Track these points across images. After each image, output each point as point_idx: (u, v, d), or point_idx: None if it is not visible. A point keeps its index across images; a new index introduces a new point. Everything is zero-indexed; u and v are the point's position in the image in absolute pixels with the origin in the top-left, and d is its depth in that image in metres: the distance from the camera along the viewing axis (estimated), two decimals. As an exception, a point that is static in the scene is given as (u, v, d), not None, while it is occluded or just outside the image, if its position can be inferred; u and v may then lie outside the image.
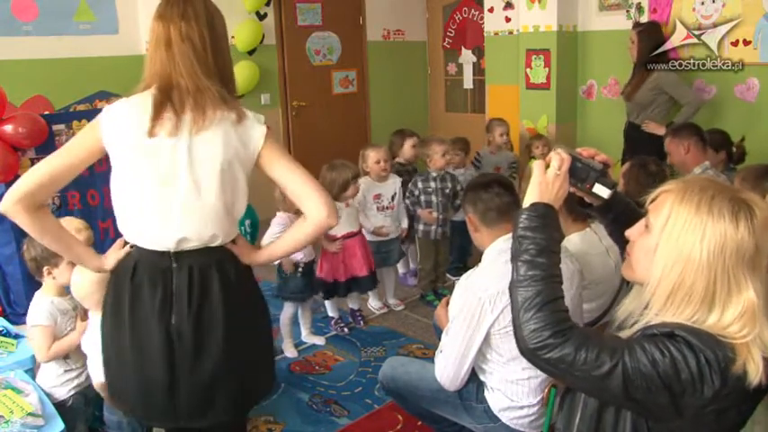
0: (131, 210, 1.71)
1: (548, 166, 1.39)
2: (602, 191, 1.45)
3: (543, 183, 1.37)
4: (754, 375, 1.16)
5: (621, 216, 1.51)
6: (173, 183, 1.65)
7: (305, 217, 1.74)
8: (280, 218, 3.27)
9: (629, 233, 1.37)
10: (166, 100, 1.64)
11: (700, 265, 1.20)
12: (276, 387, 2.97)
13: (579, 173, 1.42)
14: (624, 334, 1.28)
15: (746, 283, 1.19)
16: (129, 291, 1.73)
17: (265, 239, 3.25)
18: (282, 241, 1.86)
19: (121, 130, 1.65)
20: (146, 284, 1.71)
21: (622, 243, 1.50)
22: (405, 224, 3.94)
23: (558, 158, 1.38)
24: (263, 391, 1.98)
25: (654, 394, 1.18)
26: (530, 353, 1.26)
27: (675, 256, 1.22)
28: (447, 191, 3.91)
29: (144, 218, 1.70)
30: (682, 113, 4.10)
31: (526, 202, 1.37)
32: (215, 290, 1.71)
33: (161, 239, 1.69)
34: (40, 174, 1.67)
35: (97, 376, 2.12)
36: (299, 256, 3.30)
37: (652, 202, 1.30)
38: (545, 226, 1.32)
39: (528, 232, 1.32)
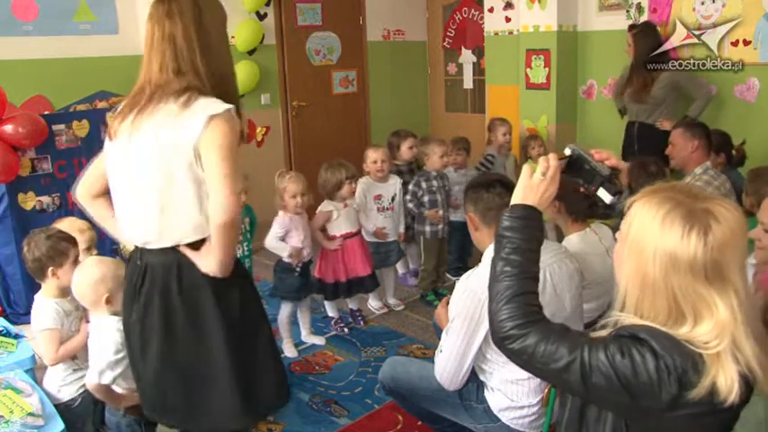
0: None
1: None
2: (605, 196, 1.48)
3: (528, 186, 1.42)
4: (725, 390, 1.14)
5: None
6: (120, 184, 1.72)
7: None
8: (280, 218, 3.27)
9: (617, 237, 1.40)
10: (131, 102, 1.67)
11: (655, 279, 1.20)
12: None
13: (586, 175, 1.47)
14: (603, 333, 1.29)
15: (713, 298, 1.18)
16: (124, 283, 1.86)
17: (268, 240, 3.26)
18: (210, 249, 1.69)
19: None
20: (127, 278, 1.81)
21: None
22: (402, 228, 3.94)
23: (545, 163, 1.43)
24: (222, 421, 1.78)
25: (613, 394, 1.20)
26: (498, 342, 1.34)
27: (635, 268, 1.23)
28: (446, 189, 3.94)
29: (117, 214, 1.80)
30: (695, 107, 4.11)
31: (512, 202, 1.43)
32: (156, 300, 1.70)
33: (126, 236, 1.79)
34: (87, 172, 1.87)
35: (91, 377, 2.12)
36: (303, 255, 3.31)
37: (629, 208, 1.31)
38: (524, 227, 1.37)
39: (507, 232, 1.38)
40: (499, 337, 1.33)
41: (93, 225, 2.66)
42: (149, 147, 1.63)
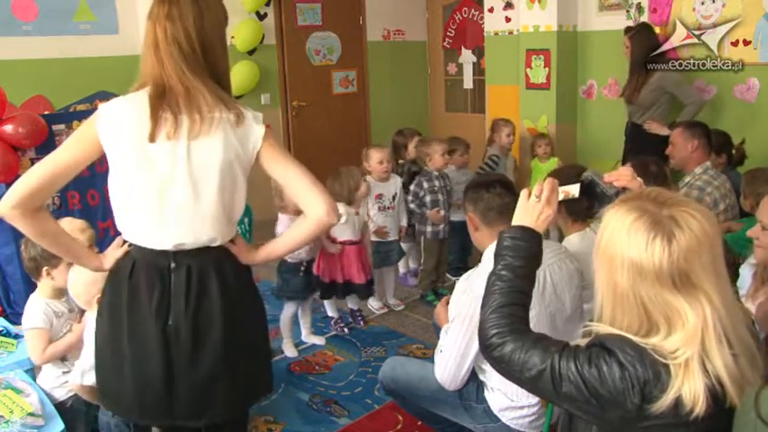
0: (131, 210, 1.70)
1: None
2: None
3: (525, 208, 1.51)
4: (689, 402, 1.13)
5: None
6: (171, 186, 1.64)
7: (305, 215, 1.74)
8: (285, 221, 3.28)
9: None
10: (161, 101, 1.62)
11: (624, 289, 1.21)
12: (276, 387, 2.97)
13: (597, 197, 1.62)
14: (582, 341, 1.30)
15: (682, 305, 1.17)
16: (127, 290, 1.73)
17: None
18: (282, 240, 1.87)
19: (121, 130, 1.64)
20: (143, 284, 1.71)
21: None
22: (404, 222, 3.95)
23: (538, 187, 1.50)
24: (261, 390, 1.97)
25: (583, 403, 1.22)
26: (483, 350, 1.40)
27: (607, 278, 1.25)
28: (448, 188, 3.94)
29: (144, 219, 1.69)
30: (685, 112, 4.09)
31: (511, 224, 1.51)
32: (213, 289, 1.71)
33: (160, 240, 1.69)
34: (37, 176, 1.65)
35: (74, 377, 2.12)
36: (302, 255, 3.31)
37: None
38: (517, 247, 1.45)
39: (502, 251, 1.46)
40: (483, 346, 1.38)
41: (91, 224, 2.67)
42: (217, 153, 1.64)
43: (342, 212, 3.47)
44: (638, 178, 1.63)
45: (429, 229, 3.94)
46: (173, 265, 1.70)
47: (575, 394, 1.21)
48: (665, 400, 1.14)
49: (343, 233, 3.53)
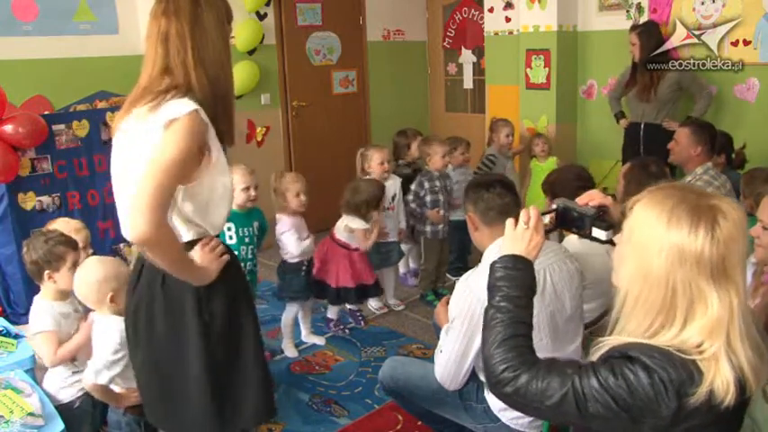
0: None
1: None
2: (599, 234, 1.55)
3: (514, 237, 1.49)
4: (722, 394, 1.14)
5: None
6: (114, 181, 1.72)
7: None
8: (288, 221, 3.28)
9: (616, 238, 1.40)
10: (126, 101, 1.66)
11: (658, 277, 1.19)
12: (276, 387, 2.97)
13: (576, 222, 1.57)
14: (594, 356, 1.28)
15: (712, 294, 1.17)
16: None
17: (293, 249, 3.28)
18: None
19: None
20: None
21: None
22: (403, 224, 3.95)
23: (525, 214, 1.50)
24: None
25: (613, 419, 1.19)
26: (492, 388, 1.34)
27: (637, 269, 1.23)
28: (448, 189, 3.95)
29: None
30: (699, 106, 4.13)
31: (500, 254, 1.49)
32: (147, 294, 1.69)
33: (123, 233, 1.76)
34: None
35: (88, 377, 2.11)
36: (295, 257, 3.31)
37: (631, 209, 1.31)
38: (512, 277, 1.43)
39: (497, 282, 1.43)
40: (493, 383, 1.33)
41: (89, 225, 2.66)
42: (123, 149, 1.64)
43: (357, 227, 3.47)
44: (608, 196, 1.64)
45: (429, 228, 3.94)
46: (142, 258, 1.73)
47: (602, 412, 1.19)
48: (700, 395, 1.14)
49: (355, 239, 3.53)
